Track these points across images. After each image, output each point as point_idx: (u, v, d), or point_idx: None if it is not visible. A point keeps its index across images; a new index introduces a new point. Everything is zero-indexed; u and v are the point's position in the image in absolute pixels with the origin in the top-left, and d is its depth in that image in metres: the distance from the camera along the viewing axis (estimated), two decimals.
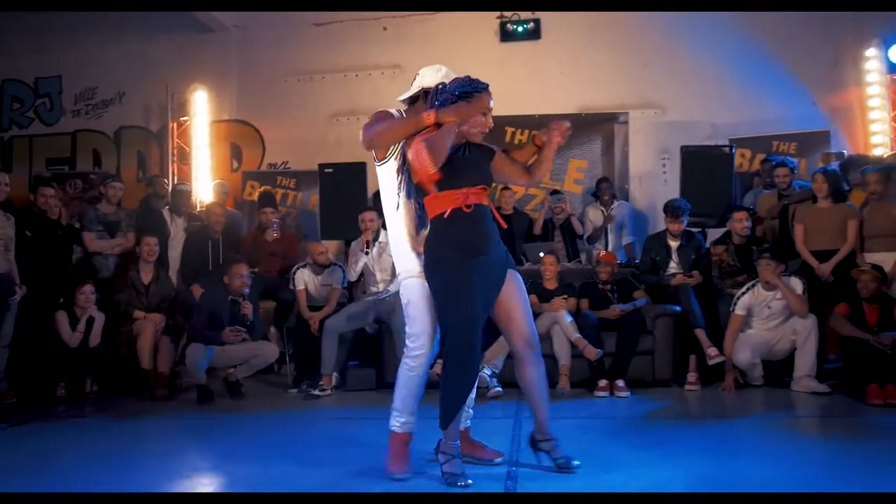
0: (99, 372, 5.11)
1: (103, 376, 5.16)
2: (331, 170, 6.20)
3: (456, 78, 2.88)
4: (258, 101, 7.47)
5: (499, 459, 3.08)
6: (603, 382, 4.72)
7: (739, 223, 5.25)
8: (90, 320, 5.04)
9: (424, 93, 2.92)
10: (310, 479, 2.91)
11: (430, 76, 2.94)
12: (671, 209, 5.37)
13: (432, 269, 2.80)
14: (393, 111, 2.93)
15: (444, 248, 2.78)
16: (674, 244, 5.36)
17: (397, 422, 2.90)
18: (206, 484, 3.02)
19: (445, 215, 2.77)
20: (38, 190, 5.45)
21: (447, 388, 2.78)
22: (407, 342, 2.91)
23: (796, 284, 4.73)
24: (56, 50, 7.51)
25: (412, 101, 2.99)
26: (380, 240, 5.15)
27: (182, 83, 7.34)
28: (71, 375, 5.02)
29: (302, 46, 7.38)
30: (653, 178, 7.02)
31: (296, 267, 5.48)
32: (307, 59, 7.37)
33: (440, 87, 2.84)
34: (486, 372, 4.69)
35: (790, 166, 5.69)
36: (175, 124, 7.40)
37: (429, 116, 2.73)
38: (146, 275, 5.29)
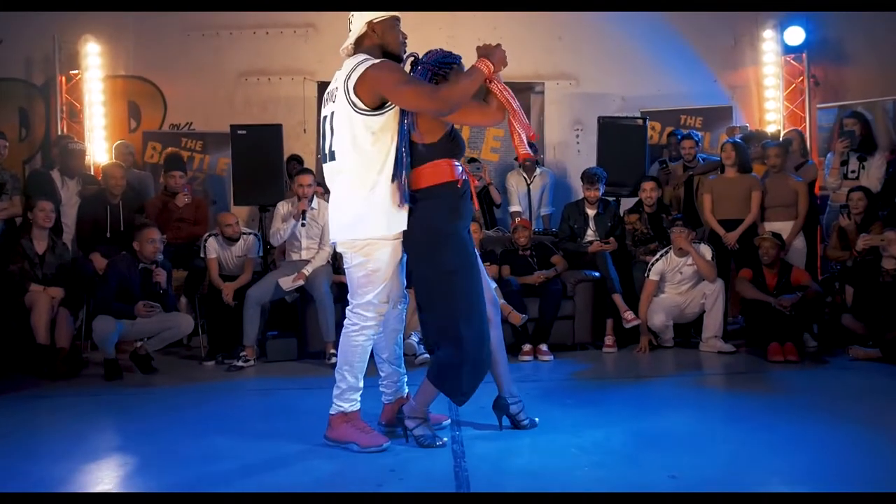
0: None
1: None
2: (244, 132, 5.86)
3: (429, 51, 2.83)
4: (158, 57, 6.93)
5: (446, 422, 3.08)
6: (527, 347, 4.82)
7: (645, 192, 5.47)
8: None
9: (371, 28, 2.78)
10: (253, 453, 2.81)
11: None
12: (587, 176, 5.52)
13: (442, 243, 2.70)
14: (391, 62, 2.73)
15: (456, 221, 2.72)
16: (591, 212, 5.53)
17: (350, 399, 2.80)
18: (131, 465, 2.82)
19: (458, 185, 2.73)
20: None
21: (470, 364, 2.70)
22: (362, 311, 2.78)
23: (706, 251, 5.01)
24: None
25: (359, 42, 2.81)
26: (312, 206, 4.97)
27: (71, 33, 6.69)
28: None
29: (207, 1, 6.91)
30: (567, 148, 7.17)
31: (206, 235, 5.21)
32: (212, 13, 6.91)
33: (414, 57, 2.79)
34: (413, 338, 4.67)
35: (695, 139, 5.99)
36: (63, 78, 6.75)
37: (487, 65, 2.67)
38: (40, 243, 4.84)
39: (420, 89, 2.62)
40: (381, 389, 3.10)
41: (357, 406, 2.82)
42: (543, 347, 4.84)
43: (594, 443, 2.83)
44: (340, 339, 2.87)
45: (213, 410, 3.67)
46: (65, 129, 6.73)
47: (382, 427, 3.03)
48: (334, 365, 4.51)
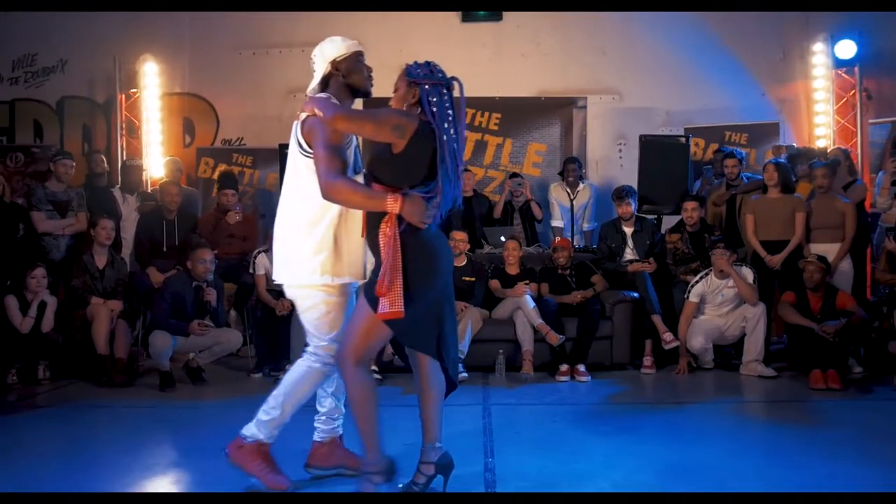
0: (52, 358, 4.95)
1: (57, 362, 5.00)
2: None
3: (422, 66, 2.54)
4: (212, 75, 7.21)
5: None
6: (564, 367, 4.86)
7: (686, 212, 5.44)
8: (42, 305, 4.86)
9: (334, 67, 2.65)
10: (298, 471, 2.85)
11: (333, 48, 2.67)
12: (616, 193, 5.61)
13: (425, 282, 2.48)
14: (334, 99, 2.58)
15: (437, 262, 2.50)
16: (628, 230, 5.53)
17: (272, 433, 2.66)
18: (180, 480, 2.99)
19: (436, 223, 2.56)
20: None
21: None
22: (325, 352, 2.61)
23: (747, 274, 4.97)
24: None
25: (325, 83, 2.68)
26: None
27: (131, 53, 7.01)
28: (22, 362, 4.84)
29: (258, 19, 7.15)
30: (610, 163, 7.18)
31: (256, 251, 5.40)
32: (263, 32, 7.15)
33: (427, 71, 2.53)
34: None
35: (738, 157, 5.92)
36: (123, 96, 7.09)
37: (394, 206, 2.39)
38: (100, 258, 5.12)
39: (325, 163, 2.44)
40: (317, 425, 2.87)
41: (274, 440, 2.70)
42: (581, 368, 4.87)
43: (626, 476, 2.88)
44: (297, 370, 2.68)
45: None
46: (124, 146, 7.07)
47: (310, 469, 2.85)
48: (377, 381, 4.72)
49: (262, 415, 2.69)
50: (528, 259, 5.73)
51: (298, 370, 2.68)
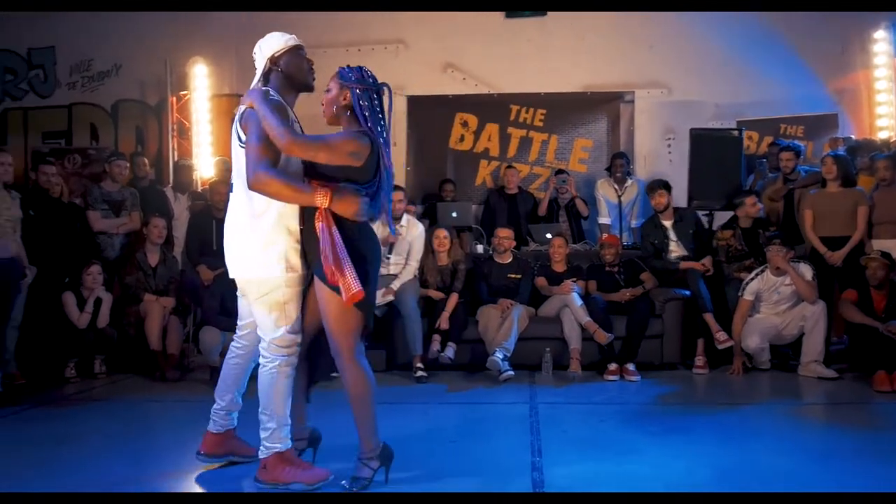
0: (108, 353, 5.09)
1: (112, 357, 5.14)
2: None
3: (353, 69, 2.64)
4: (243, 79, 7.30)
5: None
6: (613, 366, 4.76)
7: (753, 207, 5.26)
8: (98, 301, 5.01)
9: (273, 63, 2.68)
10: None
11: (271, 43, 2.69)
12: (648, 186, 5.52)
13: (375, 264, 2.65)
14: (273, 94, 2.59)
15: (368, 253, 2.60)
16: (667, 223, 5.38)
17: (282, 438, 2.66)
18: (227, 473, 3.02)
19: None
20: (39, 168, 5.37)
21: None
22: (278, 345, 2.61)
23: (805, 270, 4.78)
24: (49, 19, 7.29)
25: (265, 78, 2.71)
26: (401, 223, 5.14)
27: (181, 56, 7.17)
28: (80, 356, 4.99)
29: (302, 19, 7.21)
30: (658, 158, 7.02)
31: None
32: (308, 32, 7.17)
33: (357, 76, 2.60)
34: (498, 355, 4.72)
35: (795, 150, 5.70)
36: (174, 98, 7.25)
37: (323, 201, 2.46)
38: (153, 256, 5.25)
39: (255, 154, 2.47)
40: (214, 418, 2.91)
41: (290, 443, 2.69)
42: (630, 367, 4.76)
43: (677, 478, 2.78)
44: (259, 379, 2.68)
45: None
46: (175, 147, 7.23)
47: (202, 457, 2.90)
48: (420, 378, 4.73)
49: (263, 433, 2.68)
50: (575, 256, 5.65)
51: (264, 381, 2.66)
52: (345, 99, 2.62)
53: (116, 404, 4.34)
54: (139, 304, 5.10)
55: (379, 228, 5.17)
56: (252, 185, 2.49)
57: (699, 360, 4.92)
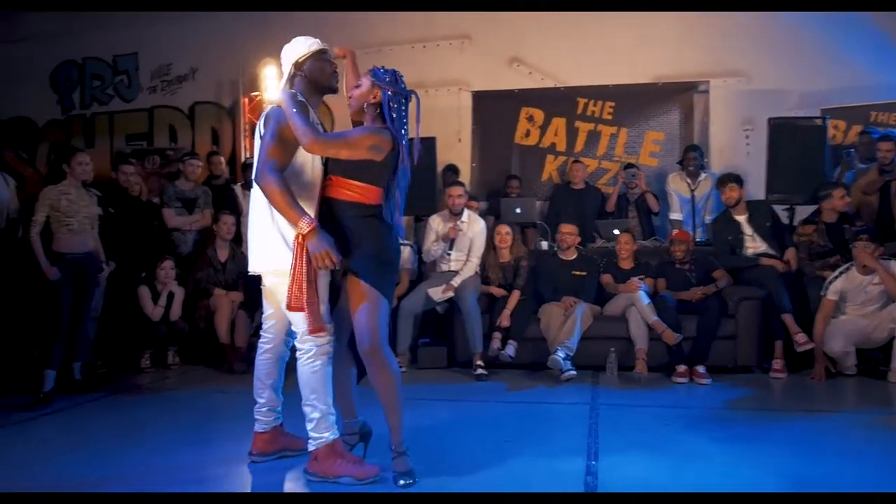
0: (180, 345, 5.29)
1: (184, 349, 5.34)
2: None
3: (387, 73, 2.70)
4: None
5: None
6: (682, 368, 4.55)
7: (841, 201, 4.91)
8: (171, 295, 5.21)
9: (297, 68, 2.74)
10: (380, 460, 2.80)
11: (295, 49, 2.75)
12: (718, 181, 5.25)
13: (381, 271, 2.66)
14: (301, 96, 2.66)
15: (390, 253, 2.70)
16: (740, 217, 5.09)
17: (328, 428, 2.70)
18: (282, 465, 3.05)
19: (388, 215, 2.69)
20: (118, 167, 5.64)
21: None
22: (313, 338, 2.66)
23: None
24: (131, 27, 7.65)
25: (291, 82, 2.79)
26: (462, 219, 5.10)
27: (252, 58, 7.37)
28: (154, 347, 5.21)
29: (367, 19, 7.28)
30: (735, 151, 6.66)
31: None
32: (372, 31, 7.27)
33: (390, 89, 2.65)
34: (560, 354, 4.60)
35: (894, 139, 5.27)
36: (246, 99, 7.47)
37: (304, 228, 2.52)
38: (223, 252, 5.40)
39: (265, 153, 2.58)
40: (257, 417, 2.96)
41: (337, 433, 2.73)
42: (700, 369, 4.54)
43: (742, 487, 2.60)
44: (297, 372, 2.72)
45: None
46: (248, 146, 7.44)
47: (254, 456, 2.95)
48: (480, 376, 4.66)
49: (308, 424, 2.72)
50: (644, 253, 5.44)
51: (302, 373, 2.71)
52: (375, 97, 2.69)
53: (185, 394, 4.50)
54: (209, 298, 5.27)
55: (440, 224, 5.21)
56: (257, 181, 2.60)
57: (777, 363, 4.63)
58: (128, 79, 7.89)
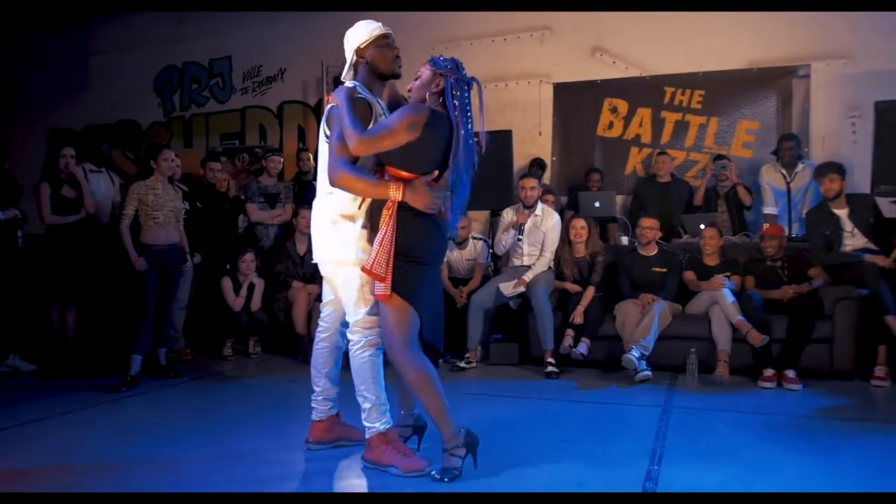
0: (260, 334, 5.49)
1: (265, 339, 5.53)
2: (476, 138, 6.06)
3: (448, 62, 2.69)
4: (408, 70, 7.44)
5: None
6: (769, 372, 4.24)
7: None
8: (251, 286, 5.41)
9: (359, 55, 2.78)
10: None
11: (357, 34, 2.80)
12: (817, 170, 4.81)
13: (406, 268, 2.60)
14: (361, 89, 2.74)
15: (423, 251, 2.62)
16: (840, 212, 4.66)
17: (380, 417, 2.74)
18: (343, 455, 3.07)
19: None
20: (206, 165, 5.91)
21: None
22: (362, 327, 2.72)
23: None
24: (226, 31, 8.03)
25: (354, 70, 2.83)
26: (536, 213, 5.00)
27: (336, 58, 7.46)
28: (235, 336, 5.43)
29: (445, 14, 7.27)
30: (840, 139, 6.13)
31: None
32: (452, 25, 7.25)
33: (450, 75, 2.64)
34: (634, 353, 4.40)
35: None
36: (329, 98, 7.63)
37: (396, 194, 2.55)
38: (301, 246, 5.55)
39: (335, 152, 2.60)
40: (313, 406, 3.01)
41: (390, 423, 2.76)
42: (790, 374, 4.21)
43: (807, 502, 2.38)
44: (350, 363, 2.78)
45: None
46: None
47: (311, 445, 3.00)
48: (550, 374, 4.54)
49: (362, 414, 2.78)
50: (732, 249, 5.12)
51: (354, 363, 2.77)
52: (437, 86, 2.67)
53: (260, 382, 4.67)
54: (288, 290, 5.43)
55: (512, 217, 5.11)
56: (332, 182, 2.64)
57: (879, 370, 4.23)
58: (222, 81, 8.28)
